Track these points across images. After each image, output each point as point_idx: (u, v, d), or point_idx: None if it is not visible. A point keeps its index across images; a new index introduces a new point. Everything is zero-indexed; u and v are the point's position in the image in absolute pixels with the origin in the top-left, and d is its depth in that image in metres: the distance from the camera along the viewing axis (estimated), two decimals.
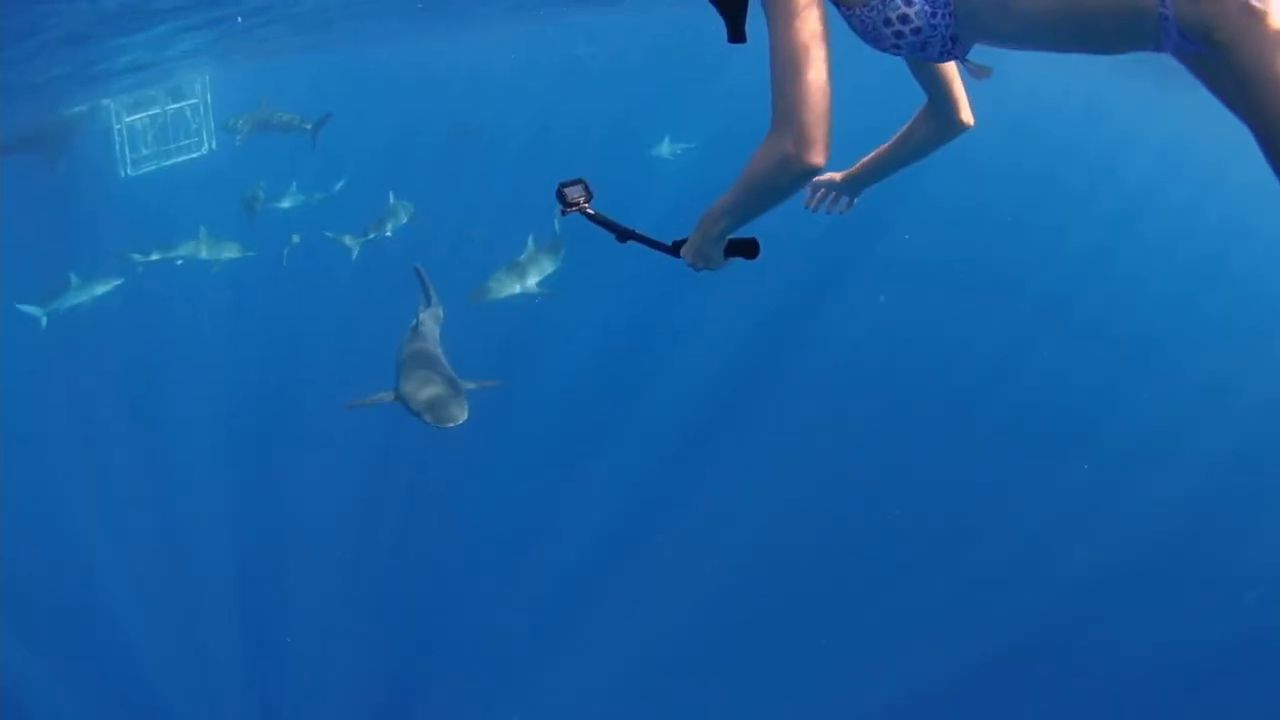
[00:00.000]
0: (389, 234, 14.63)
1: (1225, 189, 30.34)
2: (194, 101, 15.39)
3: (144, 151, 15.16)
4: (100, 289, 13.71)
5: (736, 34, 2.73)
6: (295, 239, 14.95)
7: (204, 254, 13.99)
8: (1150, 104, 27.25)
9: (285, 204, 15.37)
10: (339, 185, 16.22)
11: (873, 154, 3.28)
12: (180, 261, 14.13)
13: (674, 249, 2.86)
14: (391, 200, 14.87)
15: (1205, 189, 32.26)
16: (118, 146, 14.95)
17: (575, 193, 2.92)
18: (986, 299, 19.17)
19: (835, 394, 15.58)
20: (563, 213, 2.93)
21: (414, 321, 8.85)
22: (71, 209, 15.86)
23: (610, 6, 22.26)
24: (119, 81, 14.75)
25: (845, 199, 3.42)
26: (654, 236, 2.88)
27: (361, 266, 15.69)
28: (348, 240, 14.09)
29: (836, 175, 3.34)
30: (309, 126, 15.55)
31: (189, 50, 14.42)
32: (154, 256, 13.92)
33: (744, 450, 14.05)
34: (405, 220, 14.89)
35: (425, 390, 7.56)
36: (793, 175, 2.37)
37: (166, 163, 15.28)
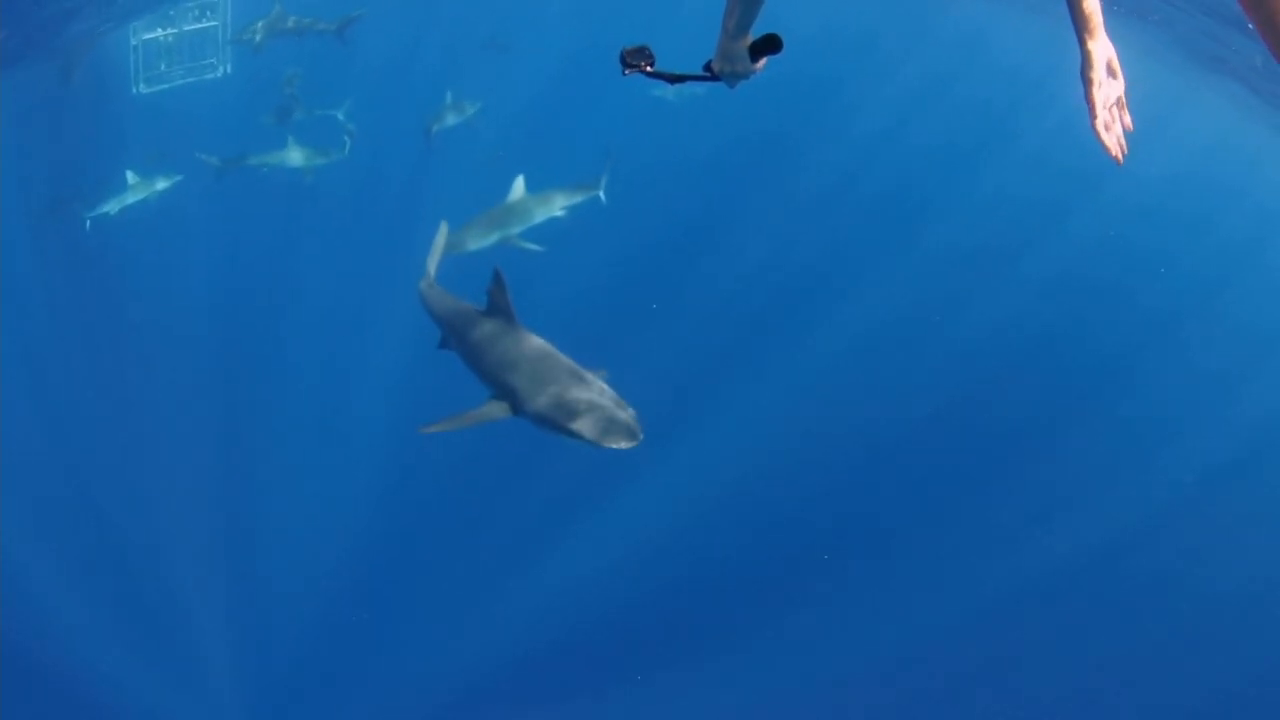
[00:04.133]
0: (449, 127, 14.78)
1: None
2: (214, 24, 15.21)
3: (161, 69, 15.06)
4: (160, 185, 13.89)
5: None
6: (349, 132, 15.05)
7: (296, 161, 14.16)
8: None
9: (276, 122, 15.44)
10: (345, 106, 16.15)
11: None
12: (266, 169, 14.31)
13: (709, 71, 3.03)
14: (448, 99, 14.89)
15: None
16: (132, 63, 14.84)
17: (634, 56, 3.05)
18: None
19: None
20: (624, 74, 3.08)
21: (489, 299, 7.00)
22: (86, 120, 15.84)
23: None
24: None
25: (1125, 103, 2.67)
26: (687, 71, 3.08)
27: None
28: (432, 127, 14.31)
29: (1096, 84, 2.58)
30: (329, 27, 15.51)
31: None
32: (247, 161, 14.15)
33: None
34: (468, 117, 14.96)
35: (580, 404, 6.00)
36: None
37: (180, 82, 15.18)
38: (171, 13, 14.94)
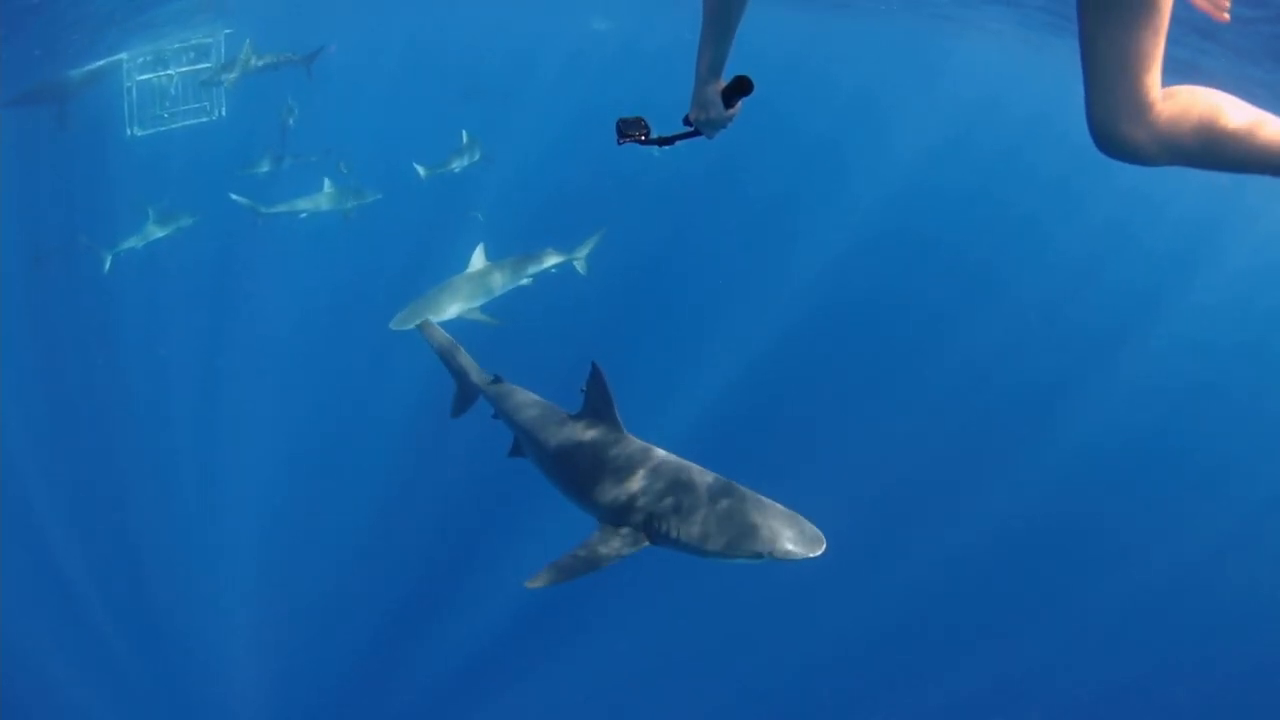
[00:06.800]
0: (455, 169, 14.72)
1: None
2: (207, 66, 15.24)
3: (155, 112, 15.05)
4: (180, 223, 14.29)
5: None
6: (343, 167, 15.20)
7: (334, 204, 14.37)
8: None
9: (265, 168, 15.62)
10: (320, 153, 16.30)
11: None
12: (305, 214, 14.46)
13: (689, 124, 3.12)
14: (465, 138, 14.91)
15: None
16: (126, 106, 14.83)
17: (630, 127, 3.21)
18: None
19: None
20: (619, 143, 3.23)
21: (586, 400, 5.87)
22: (83, 164, 15.92)
23: None
24: (140, 33, 14.78)
25: None
26: (672, 132, 3.20)
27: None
28: (421, 170, 14.31)
29: None
30: (296, 59, 15.65)
31: None
32: (279, 208, 14.27)
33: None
34: (477, 159, 14.92)
35: (749, 521, 5.07)
36: None
37: (174, 125, 15.17)
38: (166, 55, 14.99)
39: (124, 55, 14.80)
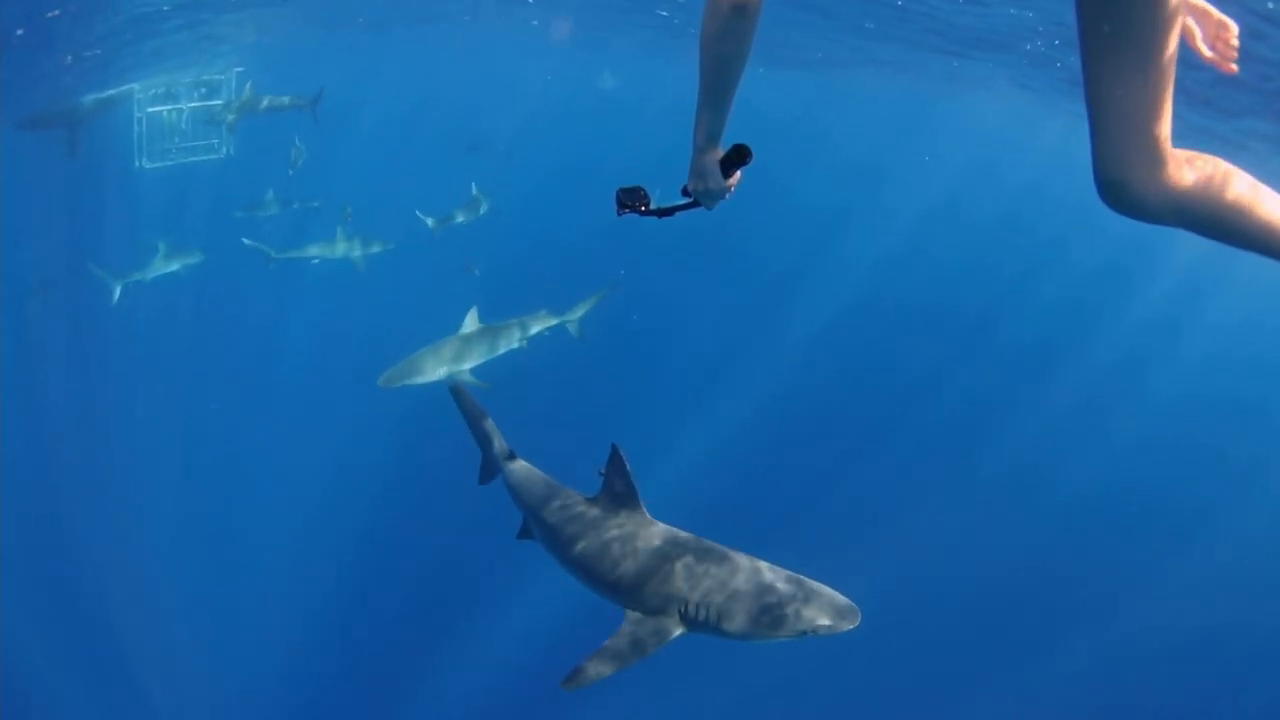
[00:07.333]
0: (461, 222, 14.88)
1: None
2: (218, 103, 15.34)
3: (164, 145, 15.09)
4: (189, 259, 14.37)
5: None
6: (348, 210, 15.21)
7: (346, 252, 14.47)
8: None
9: (272, 210, 15.65)
10: (324, 198, 16.39)
11: None
12: (317, 260, 14.52)
13: (687, 194, 3.01)
14: (474, 191, 15.09)
15: None
16: (136, 137, 14.88)
17: (630, 197, 3.12)
18: None
19: None
20: (618, 214, 3.15)
21: (605, 483, 5.66)
22: (90, 192, 15.96)
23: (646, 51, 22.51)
24: (151, 63, 14.91)
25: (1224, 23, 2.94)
26: (672, 204, 3.12)
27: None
28: (429, 221, 14.42)
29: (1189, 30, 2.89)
30: (303, 102, 15.87)
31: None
32: (291, 254, 14.39)
33: None
34: (482, 213, 15.05)
35: (783, 601, 4.98)
36: (724, 12, 2.40)
37: (183, 160, 15.22)
38: (177, 89, 15.10)
39: (135, 85, 14.97)
